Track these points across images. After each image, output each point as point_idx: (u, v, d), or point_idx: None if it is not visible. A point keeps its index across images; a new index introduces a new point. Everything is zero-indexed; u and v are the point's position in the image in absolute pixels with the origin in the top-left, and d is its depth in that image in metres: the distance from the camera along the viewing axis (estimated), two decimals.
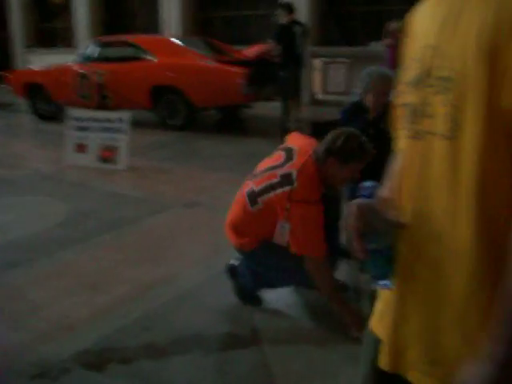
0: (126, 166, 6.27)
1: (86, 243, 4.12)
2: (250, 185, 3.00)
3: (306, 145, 2.95)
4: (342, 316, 2.76)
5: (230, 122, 9.91)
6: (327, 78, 6.15)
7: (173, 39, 9.58)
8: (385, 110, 3.42)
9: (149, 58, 8.96)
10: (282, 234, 2.79)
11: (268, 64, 8.98)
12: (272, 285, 3.10)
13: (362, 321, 2.71)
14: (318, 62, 6.32)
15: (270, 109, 9.33)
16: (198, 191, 5.45)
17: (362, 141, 2.74)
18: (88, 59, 9.40)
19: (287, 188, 2.71)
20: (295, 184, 2.70)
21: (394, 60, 9.06)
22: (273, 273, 3.00)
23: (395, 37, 9.03)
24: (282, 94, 8.35)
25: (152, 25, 14.62)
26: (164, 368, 2.53)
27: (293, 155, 2.86)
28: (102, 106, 8.64)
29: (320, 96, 6.33)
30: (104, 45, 9.64)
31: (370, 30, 11.10)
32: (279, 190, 2.75)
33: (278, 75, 8.02)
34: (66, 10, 16.58)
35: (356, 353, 2.52)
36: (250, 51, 8.48)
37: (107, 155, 6.38)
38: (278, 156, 2.97)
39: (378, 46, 10.49)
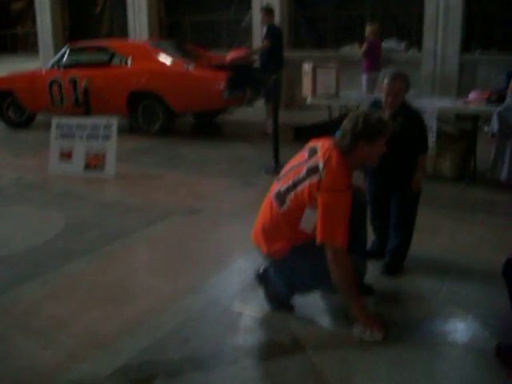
0: (114, 173, 6.13)
1: (93, 254, 4.00)
2: (277, 187, 2.99)
3: (326, 141, 2.97)
4: (357, 317, 2.78)
5: (206, 127, 9.85)
6: (317, 81, 6.16)
7: (148, 44, 9.45)
8: (400, 110, 3.48)
9: (125, 63, 8.81)
10: (308, 220, 2.79)
11: (247, 68, 8.98)
12: (304, 290, 3.07)
13: (377, 323, 2.73)
14: (306, 66, 6.33)
15: (250, 113, 9.33)
16: (196, 197, 5.38)
17: (377, 116, 2.84)
18: (61, 65, 9.16)
19: (315, 179, 2.75)
20: (323, 174, 2.73)
21: (369, 65, 9.24)
22: (304, 279, 2.98)
23: (370, 41, 9.22)
24: (268, 97, 8.29)
25: (118, 29, 14.40)
26: (213, 380, 2.48)
27: (316, 150, 2.90)
28: (77, 112, 8.43)
29: (309, 100, 6.35)
30: (77, 50, 9.41)
31: (341, 34, 11.26)
32: (307, 182, 2.78)
33: (263, 78, 8.01)
34: (27, 15, 16.17)
35: (403, 356, 2.57)
36: (230, 56, 8.41)
37: (94, 163, 6.23)
38: (301, 155, 3.00)
39: (350, 51, 10.67)
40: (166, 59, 8.60)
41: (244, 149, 7.62)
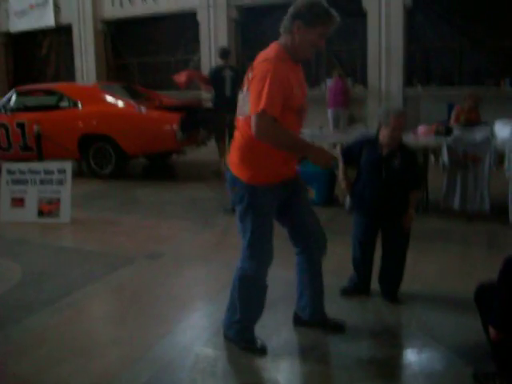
0: (69, 219, 5.99)
1: (55, 305, 3.84)
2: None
3: None
4: (309, 156, 2.74)
5: (159, 168, 9.80)
6: None
7: (98, 86, 9.39)
8: (398, 147, 3.56)
9: (75, 106, 8.70)
10: (243, 105, 2.80)
11: (199, 109, 9.04)
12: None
13: (328, 155, 2.75)
14: None
15: (203, 153, 9.34)
16: (157, 241, 5.29)
17: (327, 6, 2.76)
18: (7, 109, 8.96)
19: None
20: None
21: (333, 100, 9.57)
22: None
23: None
24: (215, 136, 8.45)
25: (65, 72, 14.29)
26: None
27: None
28: (26, 157, 8.24)
29: None
30: (25, 94, 9.26)
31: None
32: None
33: (215, 118, 8.10)
34: None
35: None
36: (179, 80, 8.32)
37: (48, 208, 6.06)
38: None
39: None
40: (116, 101, 8.55)
41: (199, 189, 7.60)
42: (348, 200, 3.81)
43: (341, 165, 3.72)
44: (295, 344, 3.20)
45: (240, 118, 2.88)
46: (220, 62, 8.45)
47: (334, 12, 2.77)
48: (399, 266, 3.69)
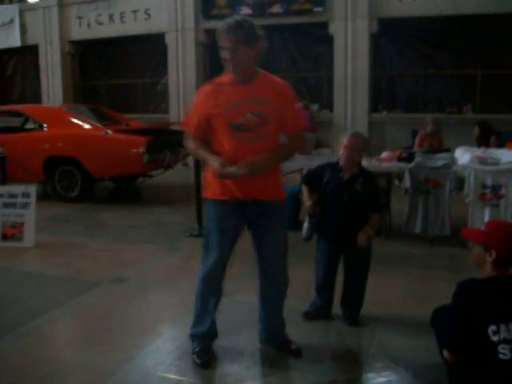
0: (34, 243, 5.92)
1: (18, 331, 3.79)
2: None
3: None
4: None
5: (126, 192, 9.76)
6: None
7: (64, 108, 9.35)
8: (359, 171, 3.65)
9: (40, 127, 8.66)
10: None
11: (166, 132, 9.08)
12: None
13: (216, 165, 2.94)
14: None
15: (169, 176, 9.35)
16: (121, 265, 5.27)
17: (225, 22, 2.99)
18: None
19: None
20: None
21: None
22: None
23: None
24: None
25: (31, 93, 14.18)
26: None
27: None
28: None
29: None
30: None
31: None
32: None
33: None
34: None
35: None
36: None
37: (12, 232, 5.98)
38: None
39: None
40: (83, 123, 8.52)
41: (165, 213, 7.62)
42: (305, 227, 3.87)
43: (304, 187, 3.81)
44: (257, 366, 3.23)
45: None
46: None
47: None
48: (360, 289, 3.77)
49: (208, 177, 3.06)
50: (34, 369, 3.25)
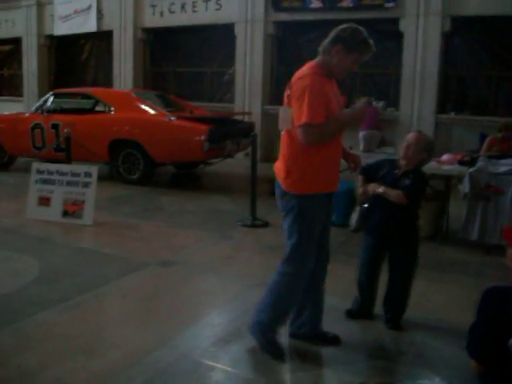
0: (92, 222, 6.14)
1: (67, 303, 3.98)
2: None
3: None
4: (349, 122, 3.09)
5: (186, 177, 9.95)
6: None
7: (132, 93, 9.61)
8: (413, 169, 3.61)
9: (108, 110, 8.95)
10: (284, 118, 3.02)
11: (228, 121, 9.17)
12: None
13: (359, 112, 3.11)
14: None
15: (229, 165, 9.45)
16: (171, 249, 5.39)
17: (367, 35, 3.00)
18: (44, 110, 9.25)
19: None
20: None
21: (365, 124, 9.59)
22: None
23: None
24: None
25: (103, 77, 14.64)
26: None
27: None
28: (58, 157, 8.46)
29: None
30: (61, 96, 9.55)
31: None
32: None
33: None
34: (14, 58, 16.36)
35: None
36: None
37: (73, 209, 6.24)
38: None
39: None
40: (148, 109, 8.74)
41: (221, 201, 7.71)
42: (353, 217, 3.82)
43: (360, 177, 3.80)
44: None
45: (282, 132, 3.12)
46: None
47: (371, 41, 3.02)
48: (404, 291, 3.70)
49: (313, 170, 3.04)
50: (77, 340, 3.39)
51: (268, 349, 3.22)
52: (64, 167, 6.51)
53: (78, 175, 6.33)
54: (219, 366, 3.12)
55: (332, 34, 3.02)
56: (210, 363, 3.14)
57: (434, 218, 6.05)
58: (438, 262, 5.17)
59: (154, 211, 7.06)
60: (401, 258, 3.65)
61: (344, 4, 10.69)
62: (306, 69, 3.04)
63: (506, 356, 2.17)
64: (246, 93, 12.16)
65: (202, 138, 8.00)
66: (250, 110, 11.73)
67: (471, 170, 5.69)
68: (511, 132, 8.32)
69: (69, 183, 6.34)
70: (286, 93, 3.07)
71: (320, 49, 3.06)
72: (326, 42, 3.03)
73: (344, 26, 3.03)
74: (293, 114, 2.95)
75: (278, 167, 3.17)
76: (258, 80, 11.98)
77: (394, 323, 3.69)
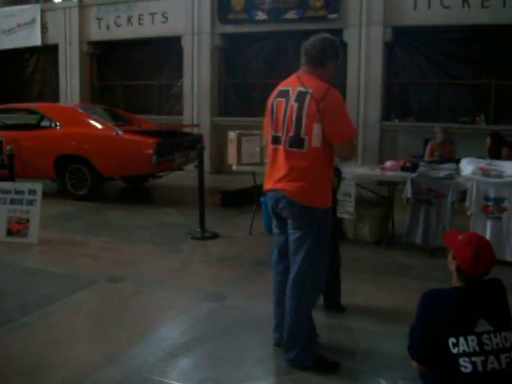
0: (38, 240, 6.02)
1: (10, 325, 3.89)
2: (284, 139, 3.15)
3: (292, 79, 3.30)
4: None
5: (135, 191, 9.87)
6: (241, 149, 6.36)
7: (78, 108, 9.48)
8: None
9: (54, 126, 8.80)
10: (318, 134, 3.04)
11: (176, 134, 9.16)
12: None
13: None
14: (231, 134, 6.52)
15: (179, 178, 9.43)
16: (120, 265, 5.34)
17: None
18: None
19: (307, 97, 3.03)
20: (310, 90, 3.04)
21: None
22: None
23: None
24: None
25: (50, 93, 14.38)
26: None
27: (288, 90, 3.20)
28: (2, 174, 8.23)
29: (235, 167, 6.53)
30: (5, 111, 9.34)
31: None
32: (305, 107, 3.03)
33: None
34: None
35: None
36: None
37: (17, 228, 6.10)
38: (278, 106, 3.24)
39: None
40: (95, 123, 8.63)
41: (170, 214, 7.68)
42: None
43: None
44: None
45: (295, 150, 3.10)
46: None
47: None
48: None
49: (326, 186, 3.19)
50: (20, 363, 3.32)
51: (323, 367, 3.24)
52: (7, 185, 6.35)
53: (22, 193, 6.19)
54: (167, 381, 3.12)
55: (323, 47, 3.15)
56: (158, 378, 3.13)
57: (379, 224, 6.20)
58: (383, 267, 5.29)
59: (102, 227, 6.97)
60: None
61: (288, 16, 10.85)
62: (320, 84, 3.08)
63: (445, 356, 2.26)
64: (195, 105, 12.17)
65: (150, 151, 7.96)
66: (198, 122, 11.77)
67: (413, 175, 5.86)
68: (450, 136, 8.68)
69: (12, 201, 6.19)
70: (282, 104, 3.16)
71: (308, 61, 3.16)
72: (315, 55, 3.13)
73: (328, 37, 3.20)
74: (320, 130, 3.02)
75: (292, 185, 3.10)
76: (205, 92, 12.01)
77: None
